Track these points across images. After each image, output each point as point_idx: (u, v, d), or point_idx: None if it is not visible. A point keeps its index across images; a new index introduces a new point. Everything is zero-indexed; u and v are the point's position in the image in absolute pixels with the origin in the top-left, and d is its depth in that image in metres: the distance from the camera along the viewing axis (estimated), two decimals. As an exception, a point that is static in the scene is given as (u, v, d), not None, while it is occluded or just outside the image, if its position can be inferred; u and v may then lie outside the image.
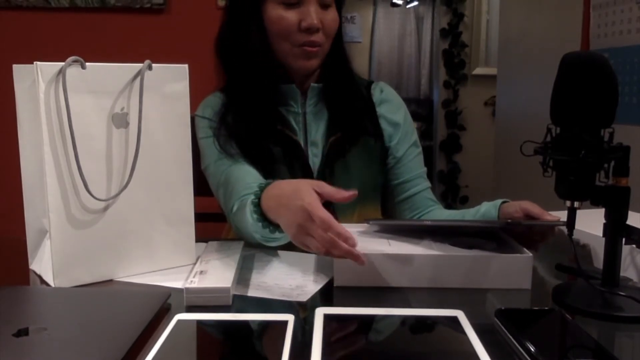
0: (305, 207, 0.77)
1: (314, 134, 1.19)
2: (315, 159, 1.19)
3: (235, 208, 1.04)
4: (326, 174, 1.17)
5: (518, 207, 1.05)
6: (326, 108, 1.21)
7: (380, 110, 1.26)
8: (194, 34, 2.30)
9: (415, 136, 1.29)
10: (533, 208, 1.03)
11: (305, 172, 1.17)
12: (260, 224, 0.89)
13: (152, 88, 0.90)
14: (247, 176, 1.09)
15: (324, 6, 1.13)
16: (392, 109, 1.27)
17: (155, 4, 2.35)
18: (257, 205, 0.89)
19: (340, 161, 1.18)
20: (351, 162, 1.19)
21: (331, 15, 1.14)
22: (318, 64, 1.16)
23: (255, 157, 1.13)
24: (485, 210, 1.13)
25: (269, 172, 1.13)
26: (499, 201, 1.12)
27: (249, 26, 1.14)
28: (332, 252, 0.77)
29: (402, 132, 1.26)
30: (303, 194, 0.79)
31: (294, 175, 1.15)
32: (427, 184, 1.28)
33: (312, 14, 1.10)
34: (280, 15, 1.11)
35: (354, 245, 0.76)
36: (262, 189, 0.90)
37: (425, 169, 1.29)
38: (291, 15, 1.11)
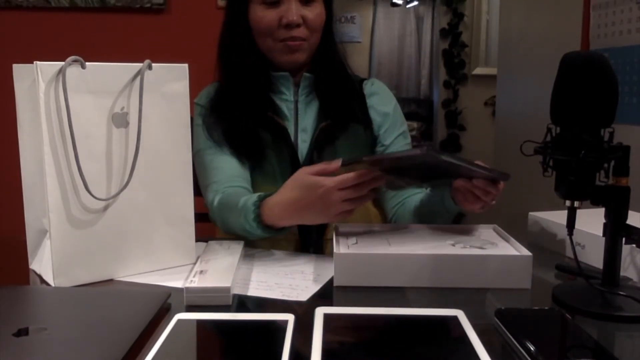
0: (324, 192, 0.90)
1: (304, 121, 1.23)
2: (304, 144, 1.22)
3: (216, 202, 1.11)
4: (314, 159, 1.19)
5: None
6: (317, 97, 1.24)
7: (371, 101, 1.29)
8: (194, 34, 2.30)
9: (404, 127, 1.31)
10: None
11: (293, 157, 1.20)
12: (264, 234, 1.00)
13: (152, 88, 0.90)
14: (226, 166, 1.16)
15: (306, 2, 1.17)
16: (382, 100, 1.30)
17: (155, 4, 2.35)
18: (259, 219, 0.98)
19: (328, 148, 1.20)
20: (339, 149, 1.21)
21: (315, 10, 1.18)
22: (305, 57, 1.20)
23: (243, 142, 1.18)
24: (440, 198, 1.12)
25: (257, 158, 1.18)
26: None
27: (237, 26, 1.20)
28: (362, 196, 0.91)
29: (391, 121, 1.29)
30: (315, 184, 0.91)
31: (281, 160, 1.18)
32: None
33: (292, 10, 1.14)
34: (262, 15, 1.16)
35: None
36: (261, 200, 0.98)
37: None
38: (272, 14, 1.16)
